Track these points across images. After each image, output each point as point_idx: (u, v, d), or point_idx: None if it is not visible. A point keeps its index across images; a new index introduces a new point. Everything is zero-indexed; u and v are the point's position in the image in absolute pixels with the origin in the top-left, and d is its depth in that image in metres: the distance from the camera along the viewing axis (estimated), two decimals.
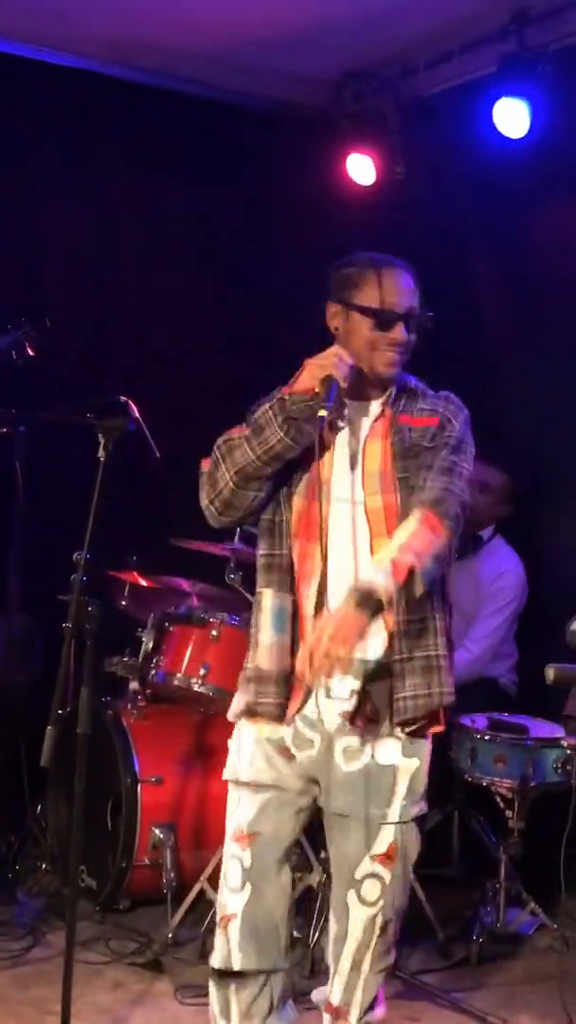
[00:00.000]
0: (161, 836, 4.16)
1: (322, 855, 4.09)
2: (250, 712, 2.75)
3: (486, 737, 4.05)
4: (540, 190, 4.91)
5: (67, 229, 5.27)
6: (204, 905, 4.01)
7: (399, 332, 2.73)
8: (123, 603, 4.56)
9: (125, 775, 4.23)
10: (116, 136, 5.31)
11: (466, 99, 4.95)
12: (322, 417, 2.59)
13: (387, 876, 2.72)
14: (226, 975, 2.73)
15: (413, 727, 2.70)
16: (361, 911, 2.71)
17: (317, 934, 3.87)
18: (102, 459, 3.10)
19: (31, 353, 4.31)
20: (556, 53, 4.63)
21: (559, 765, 3.96)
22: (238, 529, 4.02)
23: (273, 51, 4.99)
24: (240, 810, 2.77)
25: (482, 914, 4.10)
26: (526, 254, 5.09)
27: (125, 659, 4.43)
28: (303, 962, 3.81)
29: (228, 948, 2.73)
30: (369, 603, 2.51)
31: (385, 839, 2.72)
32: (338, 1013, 2.75)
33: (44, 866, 4.49)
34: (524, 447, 5.08)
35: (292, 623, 2.72)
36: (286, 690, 2.71)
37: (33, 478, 4.55)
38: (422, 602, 2.66)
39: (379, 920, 2.72)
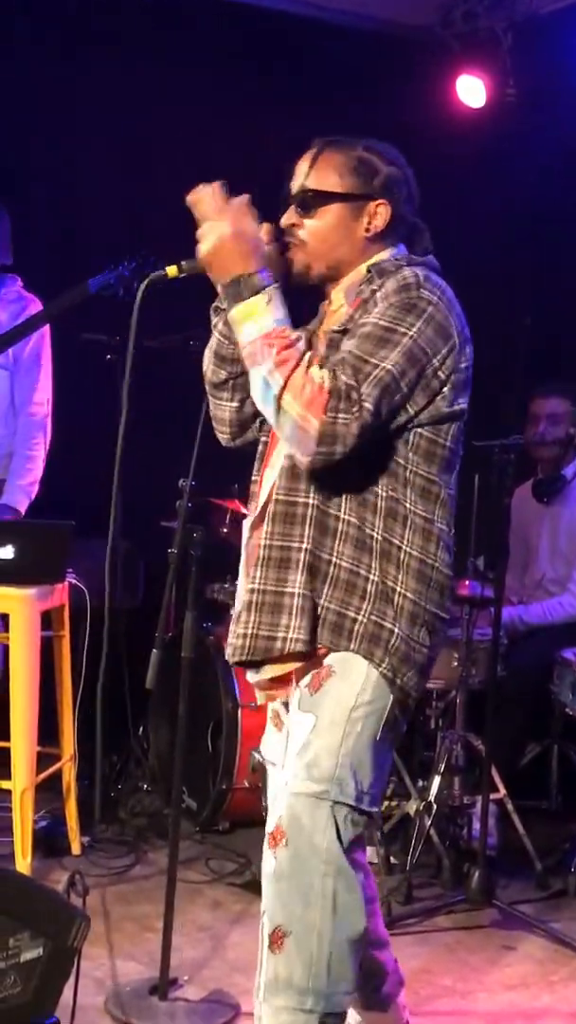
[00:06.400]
0: (260, 760, 4.20)
1: (419, 783, 4.12)
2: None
3: None
4: None
5: (163, 154, 5.24)
6: None
7: (285, 217, 2.38)
8: (224, 531, 4.58)
9: (226, 699, 4.28)
10: (217, 57, 5.24)
11: None
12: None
13: (270, 864, 2.26)
14: None
15: (249, 667, 2.33)
16: (262, 910, 2.31)
17: (414, 861, 3.92)
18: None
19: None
20: None
21: None
22: None
23: None
24: (269, 781, 2.56)
25: None
26: None
27: (226, 586, 4.46)
28: (400, 888, 3.85)
29: None
30: (244, 279, 2.21)
31: (276, 813, 2.29)
32: None
33: (145, 787, 4.59)
34: None
35: None
36: None
37: (137, 406, 4.56)
38: (289, 532, 2.25)
39: (265, 923, 2.26)
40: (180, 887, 3.31)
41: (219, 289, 2.29)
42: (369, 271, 2.34)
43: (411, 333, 2.20)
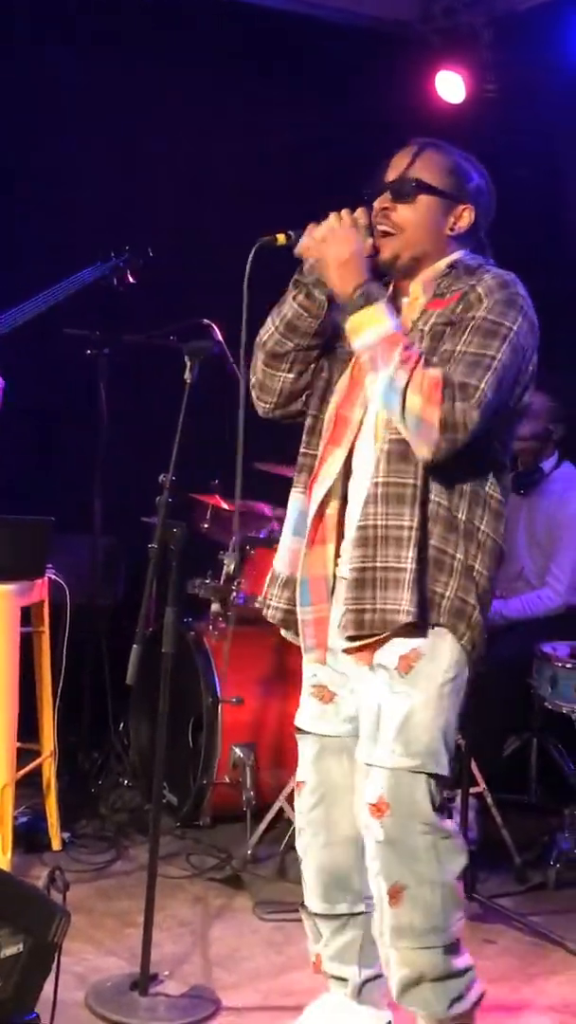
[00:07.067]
0: (241, 755, 4.22)
1: None
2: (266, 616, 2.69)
3: (567, 665, 4.02)
4: None
5: (163, 154, 5.24)
6: (283, 823, 4.07)
7: (380, 200, 2.57)
8: (205, 526, 4.58)
9: (207, 695, 4.28)
10: (217, 57, 5.23)
11: (562, 13, 4.81)
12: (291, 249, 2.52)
13: (378, 832, 2.48)
14: (307, 909, 2.77)
15: (358, 644, 2.49)
16: (370, 869, 2.55)
17: None
18: (188, 381, 3.09)
19: (132, 281, 4.30)
20: None
21: None
22: None
23: None
24: (300, 756, 2.71)
25: (559, 840, 4.10)
26: None
27: (207, 581, 4.46)
28: None
29: (305, 888, 2.75)
30: (363, 289, 2.42)
31: (374, 786, 2.49)
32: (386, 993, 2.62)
33: (126, 782, 4.59)
34: None
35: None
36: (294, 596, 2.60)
37: (117, 401, 4.57)
38: (400, 512, 2.42)
39: (382, 884, 2.50)
40: (161, 883, 3.30)
41: (337, 296, 2.48)
42: (449, 267, 2.53)
43: (515, 328, 2.41)
